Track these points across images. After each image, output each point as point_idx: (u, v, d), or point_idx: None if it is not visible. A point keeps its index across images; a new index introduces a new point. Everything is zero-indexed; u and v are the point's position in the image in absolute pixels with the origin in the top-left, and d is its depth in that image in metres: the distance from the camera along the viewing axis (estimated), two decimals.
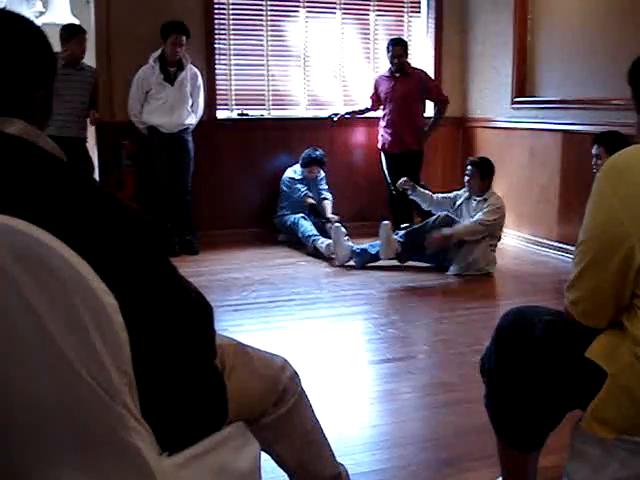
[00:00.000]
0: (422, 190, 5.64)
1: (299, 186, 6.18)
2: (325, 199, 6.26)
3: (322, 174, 6.35)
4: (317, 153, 6.23)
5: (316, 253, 5.71)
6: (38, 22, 6.82)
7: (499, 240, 5.40)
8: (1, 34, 1.25)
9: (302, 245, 5.91)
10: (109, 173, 5.90)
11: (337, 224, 5.58)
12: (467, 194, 5.42)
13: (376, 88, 6.37)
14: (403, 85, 6.16)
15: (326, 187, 6.36)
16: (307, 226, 5.91)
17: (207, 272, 5.23)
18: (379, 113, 6.42)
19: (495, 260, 5.33)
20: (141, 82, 5.69)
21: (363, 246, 5.44)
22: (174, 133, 5.76)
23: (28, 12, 7.04)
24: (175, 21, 5.67)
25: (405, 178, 5.64)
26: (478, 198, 5.31)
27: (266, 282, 5.02)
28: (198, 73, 5.86)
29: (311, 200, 6.13)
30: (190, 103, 5.82)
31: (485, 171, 5.32)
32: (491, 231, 5.21)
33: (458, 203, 5.48)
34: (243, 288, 4.85)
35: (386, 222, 5.34)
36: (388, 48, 6.20)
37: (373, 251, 5.36)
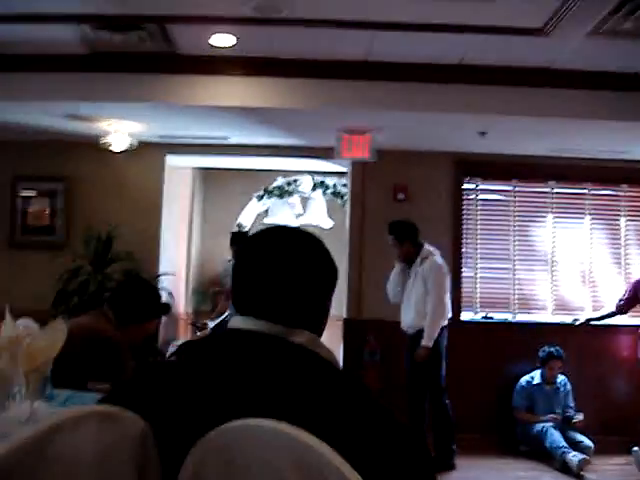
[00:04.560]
0: None
1: (519, 399, 5.97)
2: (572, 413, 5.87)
3: (568, 386, 6.00)
4: (554, 348, 5.95)
5: (565, 468, 5.27)
6: (297, 223, 7.49)
7: None
8: (300, 253, 1.39)
9: (548, 458, 5.48)
10: (351, 366, 6.01)
11: (635, 448, 5.14)
12: None
13: (635, 291, 5.94)
14: None
15: (572, 404, 5.95)
16: (556, 436, 5.52)
17: None
18: (634, 320, 6.02)
19: None
20: (392, 276, 5.73)
21: None
22: (412, 334, 5.55)
23: (289, 213, 7.78)
24: (391, 222, 5.71)
25: None
26: None
27: None
28: (436, 264, 5.49)
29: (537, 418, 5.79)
30: (426, 299, 5.47)
31: None
32: None
33: None
34: None
35: (635, 449, 4.93)
36: None
37: None
